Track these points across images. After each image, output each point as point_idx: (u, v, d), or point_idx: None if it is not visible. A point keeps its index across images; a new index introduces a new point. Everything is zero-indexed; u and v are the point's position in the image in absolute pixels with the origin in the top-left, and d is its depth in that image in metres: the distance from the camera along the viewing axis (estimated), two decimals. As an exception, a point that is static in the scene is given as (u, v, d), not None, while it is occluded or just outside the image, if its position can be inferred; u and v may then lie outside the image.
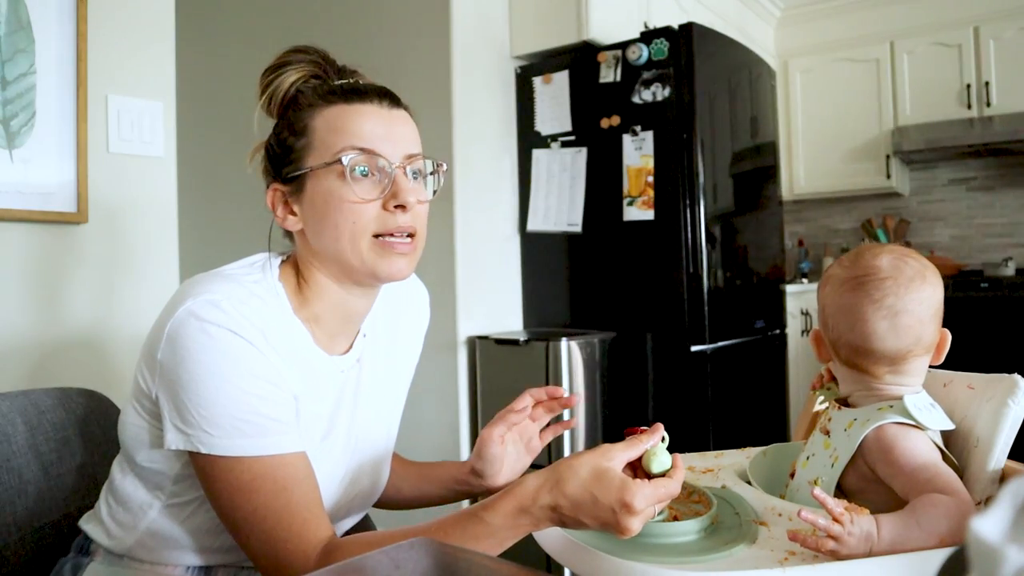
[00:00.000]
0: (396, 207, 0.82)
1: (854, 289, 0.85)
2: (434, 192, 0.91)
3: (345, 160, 0.81)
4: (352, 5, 2.52)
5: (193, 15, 2.67)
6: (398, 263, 0.84)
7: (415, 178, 0.87)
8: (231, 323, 0.76)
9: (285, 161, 0.86)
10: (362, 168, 0.82)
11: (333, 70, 0.89)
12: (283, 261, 0.90)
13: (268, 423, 0.76)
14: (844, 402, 0.91)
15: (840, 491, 0.84)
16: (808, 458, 0.90)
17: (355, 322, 0.92)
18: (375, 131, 0.83)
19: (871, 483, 0.82)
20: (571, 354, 2.19)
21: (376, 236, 0.83)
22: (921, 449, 0.80)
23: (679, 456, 0.77)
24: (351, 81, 0.88)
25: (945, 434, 0.86)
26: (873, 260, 0.85)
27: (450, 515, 0.75)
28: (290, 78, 0.87)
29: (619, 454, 0.73)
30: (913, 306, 0.83)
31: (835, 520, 0.69)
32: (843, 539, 0.69)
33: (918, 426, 0.81)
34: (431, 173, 0.91)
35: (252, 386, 0.76)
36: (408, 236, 0.85)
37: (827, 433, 0.89)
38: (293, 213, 0.86)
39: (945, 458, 0.81)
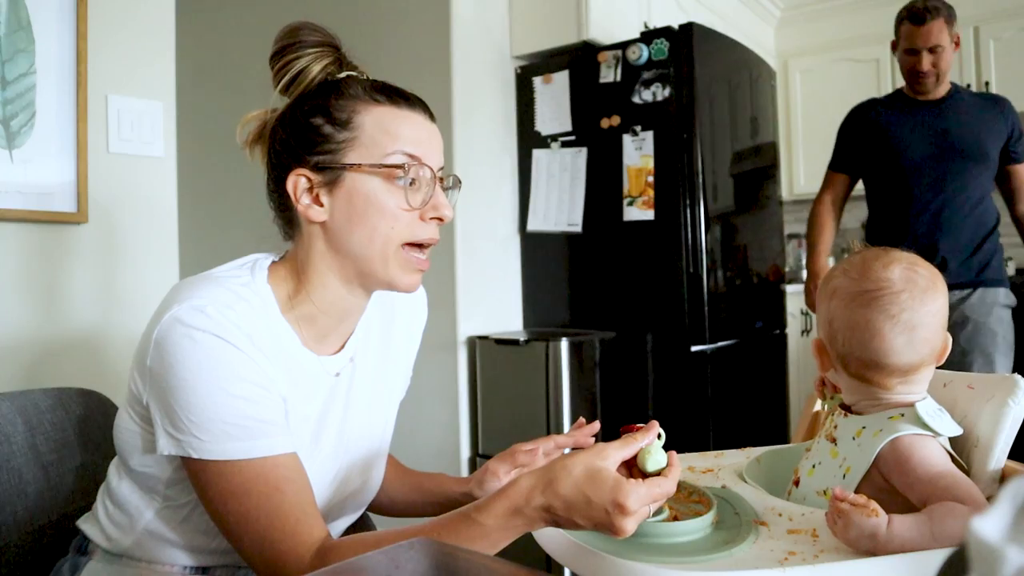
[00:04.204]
0: (432, 218, 0.85)
1: (867, 304, 0.82)
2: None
3: (397, 165, 0.82)
4: (352, 5, 2.52)
5: (193, 15, 2.67)
6: (415, 279, 0.87)
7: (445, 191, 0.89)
8: (216, 328, 0.75)
9: (318, 149, 0.83)
10: (410, 176, 0.83)
11: (344, 63, 0.90)
12: (274, 262, 0.89)
13: (257, 425, 0.76)
14: (848, 408, 0.89)
15: None
16: (814, 466, 0.88)
17: (350, 321, 0.92)
18: (421, 139, 0.85)
19: (884, 493, 0.80)
20: (571, 354, 2.18)
21: (404, 245, 0.84)
22: (938, 457, 0.79)
23: (675, 454, 0.75)
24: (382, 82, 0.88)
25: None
26: (884, 272, 0.83)
27: (444, 516, 0.75)
28: (315, 65, 0.87)
29: (613, 453, 0.72)
30: (928, 319, 0.81)
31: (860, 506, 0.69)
32: (842, 525, 0.69)
33: (933, 433, 0.80)
34: (450, 188, 0.93)
35: (240, 389, 0.76)
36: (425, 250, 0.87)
37: (833, 441, 0.87)
38: (320, 203, 0.84)
39: (954, 462, 0.80)
